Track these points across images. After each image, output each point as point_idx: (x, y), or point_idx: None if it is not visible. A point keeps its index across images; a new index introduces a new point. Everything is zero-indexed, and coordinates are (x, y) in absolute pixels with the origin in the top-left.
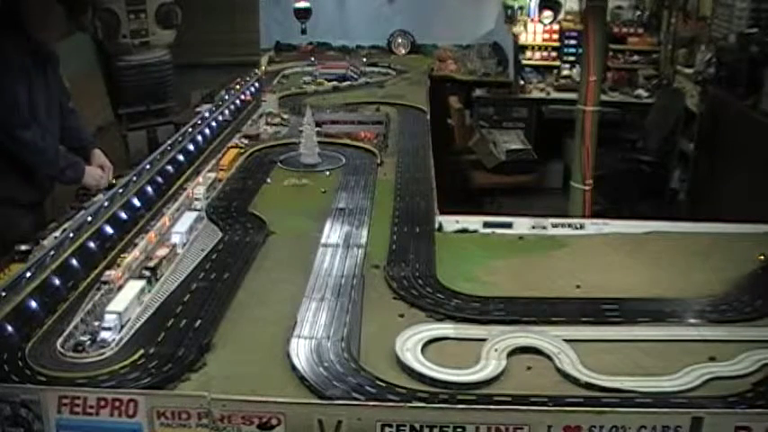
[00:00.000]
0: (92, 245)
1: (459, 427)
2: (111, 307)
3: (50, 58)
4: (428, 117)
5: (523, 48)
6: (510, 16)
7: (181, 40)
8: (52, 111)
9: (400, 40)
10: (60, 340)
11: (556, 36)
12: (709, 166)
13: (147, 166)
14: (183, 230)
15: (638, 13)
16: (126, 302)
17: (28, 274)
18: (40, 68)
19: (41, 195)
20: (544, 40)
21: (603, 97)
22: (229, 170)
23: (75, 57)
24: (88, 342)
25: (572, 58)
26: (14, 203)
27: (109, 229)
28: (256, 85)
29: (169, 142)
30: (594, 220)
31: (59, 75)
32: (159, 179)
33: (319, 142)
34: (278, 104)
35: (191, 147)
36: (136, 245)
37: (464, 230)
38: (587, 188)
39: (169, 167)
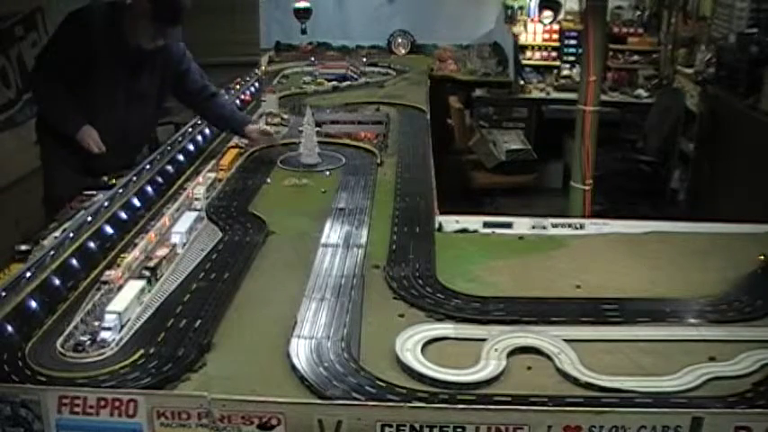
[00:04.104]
0: (92, 245)
1: (459, 427)
2: (111, 307)
3: (146, 60)
4: (428, 117)
5: (523, 48)
6: (510, 16)
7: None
8: (141, 100)
9: (400, 40)
10: (60, 340)
11: (556, 36)
12: (709, 166)
13: (147, 166)
14: (183, 230)
15: (638, 13)
16: (126, 302)
17: (28, 274)
18: (128, 66)
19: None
20: (544, 40)
21: (603, 97)
22: (229, 170)
23: None
24: (88, 342)
25: (572, 58)
26: (75, 167)
27: (109, 229)
28: (256, 85)
29: (169, 142)
30: (594, 220)
31: (165, 72)
32: (159, 179)
33: (319, 142)
34: (278, 104)
35: (191, 147)
36: (136, 245)
37: (464, 230)
38: (587, 188)
39: (169, 167)
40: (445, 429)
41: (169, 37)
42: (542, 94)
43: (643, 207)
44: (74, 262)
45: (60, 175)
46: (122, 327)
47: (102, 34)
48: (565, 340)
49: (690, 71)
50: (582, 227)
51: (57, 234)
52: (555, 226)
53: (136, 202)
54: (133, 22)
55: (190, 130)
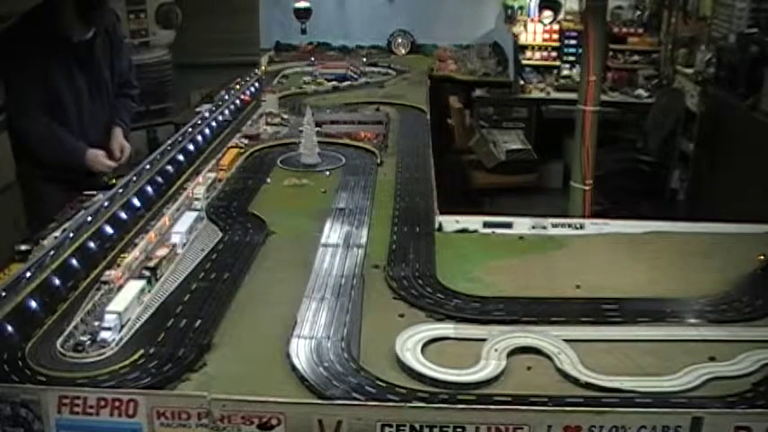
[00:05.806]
0: (92, 245)
1: (459, 427)
2: (111, 307)
3: (87, 51)
4: (428, 117)
5: (523, 48)
6: (510, 16)
7: (181, 40)
8: (91, 97)
9: (400, 40)
10: (60, 340)
11: (556, 36)
12: (709, 166)
13: (147, 166)
14: (183, 230)
15: (638, 13)
16: (126, 302)
17: (28, 274)
18: (73, 61)
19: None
20: (544, 40)
21: (603, 97)
22: (229, 170)
23: None
24: (88, 342)
25: (572, 58)
26: (57, 181)
27: (109, 229)
28: (256, 85)
29: (169, 142)
30: (594, 220)
31: (106, 61)
32: (159, 179)
33: (319, 142)
34: (278, 104)
35: (191, 147)
36: (136, 245)
37: (464, 230)
38: (587, 188)
39: (169, 167)
40: (445, 429)
41: (94, 23)
42: (542, 94)
43: (643, 207)
44: (74, 262)
45: (44, 192)
46: (122, 327)
47: (47, 33)
48: (565, 340)
49: (690, 71)
50: (582, 227)
51: (57, 234)
52: (555, 226)
53: (136, 202)
54: (62, 17)
55: (190, 130)
